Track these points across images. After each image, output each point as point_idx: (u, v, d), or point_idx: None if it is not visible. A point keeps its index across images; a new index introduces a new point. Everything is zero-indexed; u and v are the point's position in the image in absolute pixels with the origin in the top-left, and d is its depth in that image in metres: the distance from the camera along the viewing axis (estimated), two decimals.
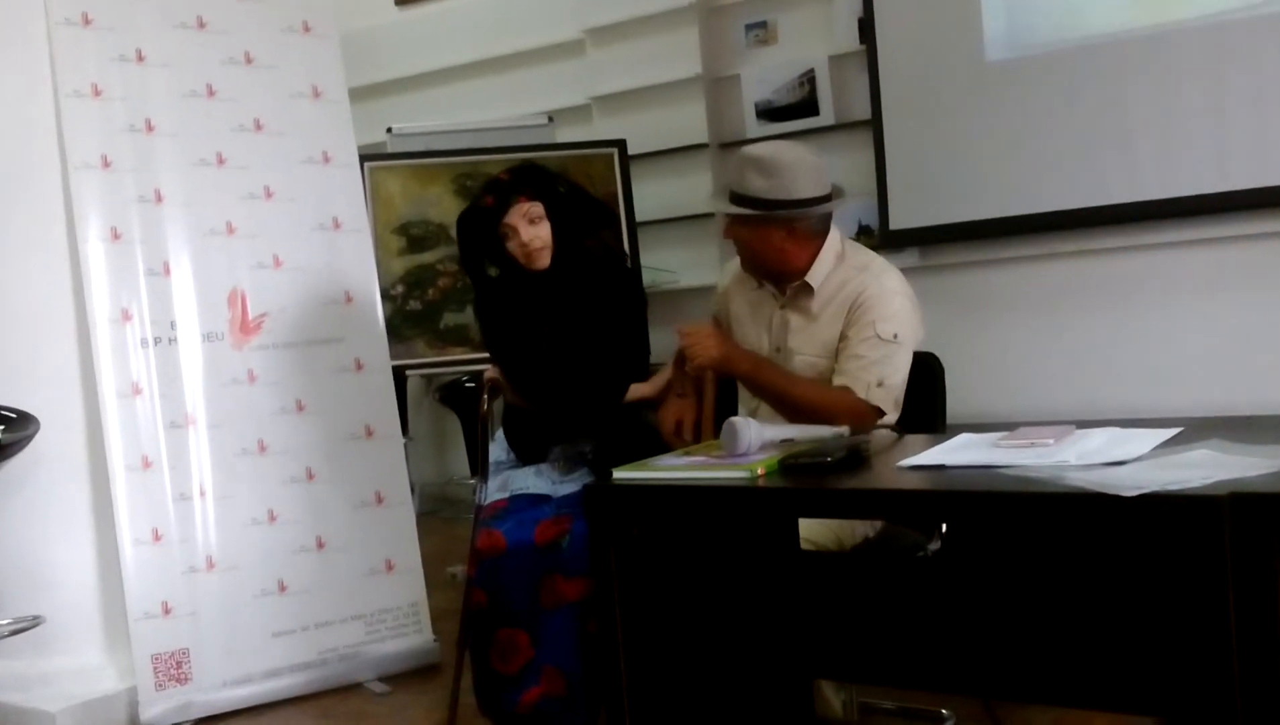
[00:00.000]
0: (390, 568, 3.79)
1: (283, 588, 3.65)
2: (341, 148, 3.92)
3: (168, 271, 3.60)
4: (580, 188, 3.15)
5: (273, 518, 3.66)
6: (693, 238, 5.18)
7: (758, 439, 2.26)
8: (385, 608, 3.77)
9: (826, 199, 2.66)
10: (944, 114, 4.40)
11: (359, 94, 4.41)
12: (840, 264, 2.71)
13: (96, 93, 3.57)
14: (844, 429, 2.41)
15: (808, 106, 4.83)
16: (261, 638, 3.60)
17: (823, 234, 2.70)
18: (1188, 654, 1.73)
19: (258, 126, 3.78)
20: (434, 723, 3.25)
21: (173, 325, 3.59)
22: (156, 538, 3.49)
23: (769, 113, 4.93)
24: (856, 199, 4.61)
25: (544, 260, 2.97)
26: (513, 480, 3.06)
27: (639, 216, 5.13)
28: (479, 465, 3.24)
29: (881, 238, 4.49)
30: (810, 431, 2.36)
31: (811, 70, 4.85)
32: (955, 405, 2.87)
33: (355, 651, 3.71)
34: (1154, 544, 1.73)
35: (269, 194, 3.77)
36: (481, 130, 5.24)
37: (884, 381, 2.58)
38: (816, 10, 4.91)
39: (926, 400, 2.84)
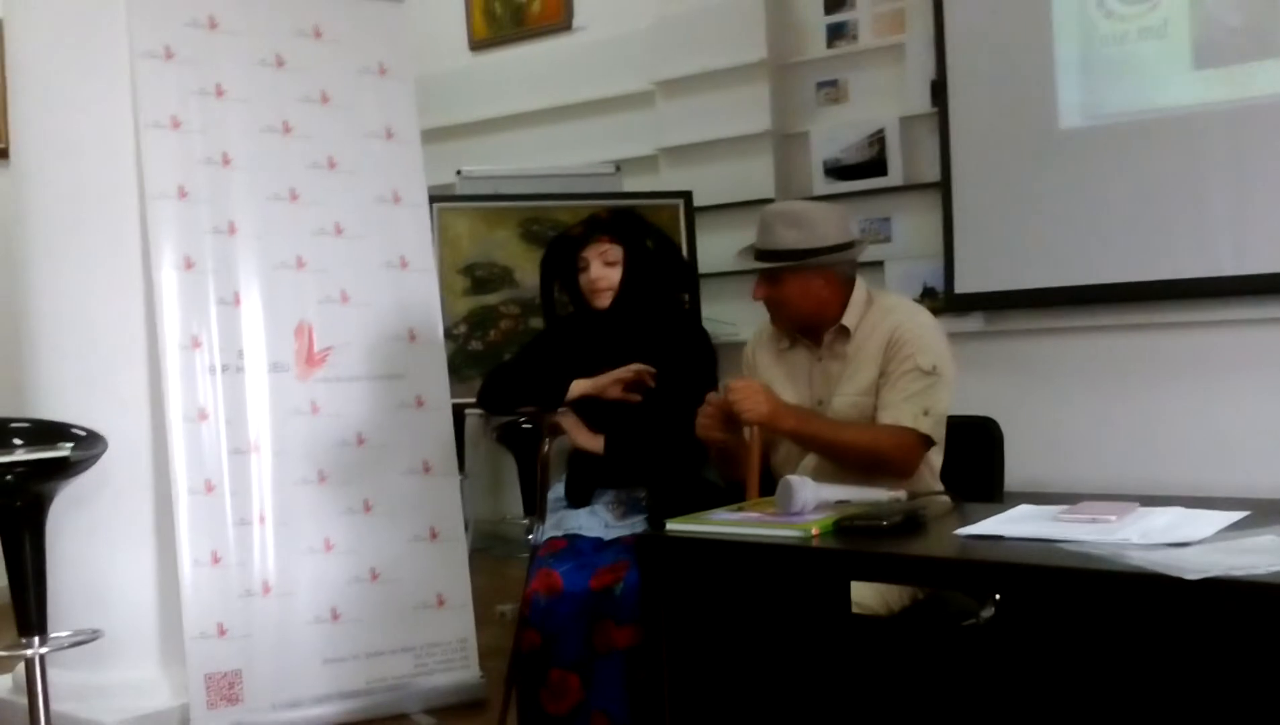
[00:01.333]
0: (441, 603, 3.82)
1: (336, 616, 3.69)
2: (412, 188, 3.98)
3: (238, 302, 3.67)
4: (673, 249, 3.25)
5: (329, 547, 3.71)
6: None
7: (813, 498, 2.26)
8: (434, 642, 3.80)
9: (853, 245, 2.77)
10: (1014, 179, 4.38)
11: (430, 135, 4.48)
12: (870, 307, 2.76)
13: (176, 125, 3.65)
14: (901, 493, 2.41)
15: (876, 166, 4.84)
16: (313, 664, 3.64)
17: (853, 281, 2.78)
18: None
19: (331, 164, 3.85)
20: None
21: (240, 354, 3.66)
22: (215, 560, 3.55)
23: (837, 171, 4.95)
24: (922, 261, 4.61)
25: (604, 301, 3.06)
26: (566, 520, 3.10)
27: (702, 268, 5.16)
28: (536, 506, 3.28)
29: (946, 301, 4.48)
30: (866, 493, 2.35)
31: (882, 130, 4.86)
32: (1015, 473, 2.85)
33: (403, 683, 3.73)
34: (1215, 630, 1.70)
35: (339, 230, 3.84)
36: (549, 176, 5.31)
37: (929, 411, 2.61)
38: (889, 71, 4.93)
39: (985, 467, 2.83)
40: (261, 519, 3.62)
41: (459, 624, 3.84)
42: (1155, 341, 4.16)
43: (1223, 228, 3.96)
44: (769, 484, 2.52)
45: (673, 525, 2.32)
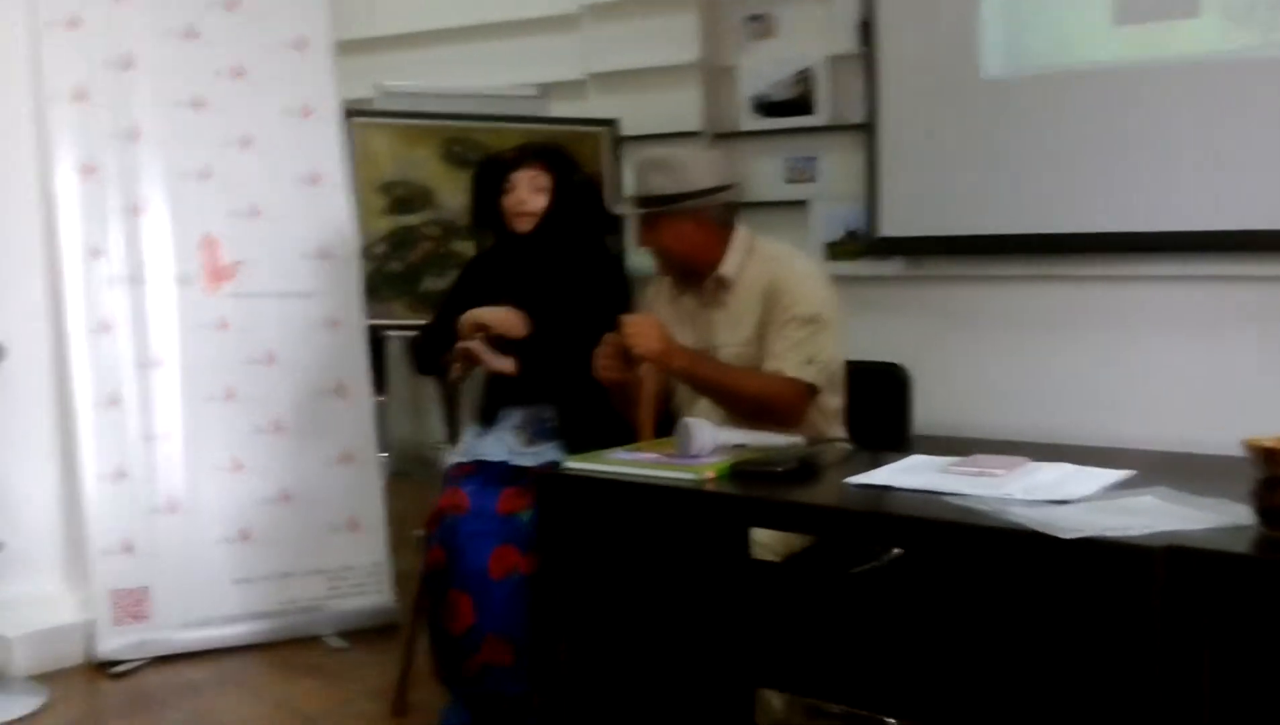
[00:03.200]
0: (354, 526, 3.82)
1: (245, 536, 3.68)
2: (323, 101, 3.90)
3: (141, 211, 3.59)
4: (597, 191, 3.33)
5: (238, 466, 3.69)
6: None
7: (711, 441, 2.28)
8: (348, 565, 3.81)
9: (726, 188, 2.77)
10: (939, 126, 4.37)
11: (350, 46, 4.36)
12: (751, 256, 2.78)
13: (75, 24, 3.53)
14: (798, 438, 2.43)
15: (803, 105, 4.80)
16: (222, 583, 3.63)
17: (729, 226, 2.79)
18: (1112, 701, 1.74)
19: (239, 73, 3.76)
20: (388, 681, 3.28)
21: (143, 265, 3.58)
22: (120, 475, 3.51)
23: (765, 107, 4.90)
24: (846, 203, 4.60)
25: (526, 225, 3.11)
26: (475, 447, 3.10)
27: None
28: (449, 431, 3.29)
29: (868, 245, 4.48)
30: (764, 438, 2.37)
31: (809, 68, 4.82)
32: (928, 419, 2.90)
33: (316, 605, 3.75)
34: (1087, 589, 1.74)
35: (247, 142, 3.75)
36: (473, 96, 5.20)
37: (813, 359, 2.64)
38: (817, 8, 4.86)
39: (892, 411, 2.87)
40: (168, 435, 3.58)
41: (372, 548, 3.85)
42: (1071, 293, 4.19)
43: (1141, 184, 3.98)
44: (669, 426, 2.53)
45: (570, 463, 2.33)
